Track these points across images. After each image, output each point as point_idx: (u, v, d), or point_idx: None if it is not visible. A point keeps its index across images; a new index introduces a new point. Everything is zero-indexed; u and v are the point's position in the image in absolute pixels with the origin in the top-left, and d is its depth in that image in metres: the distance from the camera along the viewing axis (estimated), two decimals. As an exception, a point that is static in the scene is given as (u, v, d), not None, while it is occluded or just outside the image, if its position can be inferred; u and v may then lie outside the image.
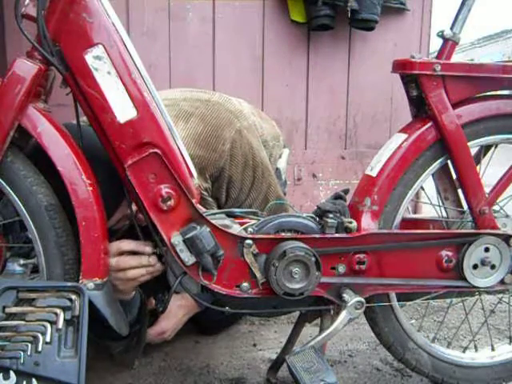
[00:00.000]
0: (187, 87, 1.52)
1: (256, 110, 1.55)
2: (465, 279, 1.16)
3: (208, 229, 1.01)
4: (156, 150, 0.99)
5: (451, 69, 1.12)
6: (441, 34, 1.14)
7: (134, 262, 1.07)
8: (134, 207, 1.11)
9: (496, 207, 1.22)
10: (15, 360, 0.92)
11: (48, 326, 0.94)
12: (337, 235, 1.09)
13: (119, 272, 1.07)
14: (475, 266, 1.16)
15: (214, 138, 1.28)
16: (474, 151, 1.19)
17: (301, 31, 2.19)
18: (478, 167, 1.21)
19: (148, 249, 1.08)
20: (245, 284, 1.07)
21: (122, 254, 1.08)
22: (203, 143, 1.28)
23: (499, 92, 1.17)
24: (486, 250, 1.15)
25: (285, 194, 1.53)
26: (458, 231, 1.19)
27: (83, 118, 1.06)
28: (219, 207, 1.36)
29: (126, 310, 1.19)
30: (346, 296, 1.10)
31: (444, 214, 1.24)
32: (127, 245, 1.08)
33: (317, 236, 1.08)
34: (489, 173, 1.23)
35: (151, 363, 1.42)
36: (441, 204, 1.23)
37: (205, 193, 1.30)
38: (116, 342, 1.27)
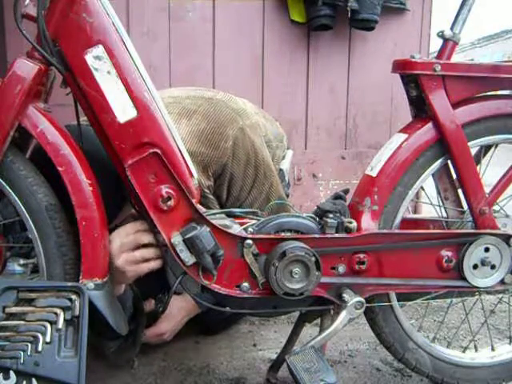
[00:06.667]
0: (188, 87, 1.52)
1: (260, 110, 1.55)
2: (465, 279, 1.16)
3: (208, 229, 1.01)
4: (156, 150, 0.99)
5: (451, 69, 1.11)
6: (441, 34, 1.14)
7: (153, 240, 1.06)
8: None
9: (496, 207, 1.22)
10: (15, 360, 0.92)
11: (48, 326, 0.94)
12: (337, 235, 1.09)
13: (136, 250, 1.05)
14: (475, 266, 1.16)
15: (217, 135, 1.28)
16: (474, 151, 1.19)
17: (301, 31, 2.19)
18: (478, 167, 1.21)
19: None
20: (245, 284, 1.07)
21: (137, 232, 1.07)
22: (206, 140, 1.28)
23: (499, 92, 1.17)
24: (486, 249, 1.16)
25: (287, 195, 1.52)
26: (458, 231, 1.19)
27: (83, 118, 1.06)
28: (220, 205, 1.35)
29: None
30: (345, 296, 1.10)
31: (444, 214, 1.24)
32: (142, 225, 1.07)
33: (317, 236, 1.08)
34: (489, 173, 1.23)
35: (151, 363, 1.42)
36: (441, 204, 1.23)
37: (207, 190, 1.30)
38: (111, 341, 1.27)
